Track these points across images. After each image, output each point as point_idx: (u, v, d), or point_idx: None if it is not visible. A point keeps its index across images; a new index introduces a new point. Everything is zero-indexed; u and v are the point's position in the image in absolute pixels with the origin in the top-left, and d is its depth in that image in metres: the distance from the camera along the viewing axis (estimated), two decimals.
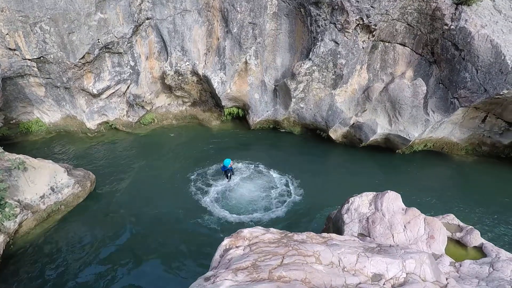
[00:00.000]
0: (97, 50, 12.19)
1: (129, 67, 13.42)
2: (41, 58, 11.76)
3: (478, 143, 12.49)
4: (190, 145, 13.27)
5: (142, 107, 14.38)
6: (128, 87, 13.86)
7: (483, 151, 12.51)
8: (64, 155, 12.26)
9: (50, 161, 9.58)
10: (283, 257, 3.66)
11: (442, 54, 11.03)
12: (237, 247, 3.98)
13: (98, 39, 12.04)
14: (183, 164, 11.81)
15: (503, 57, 9.77)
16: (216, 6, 12.56)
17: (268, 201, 9.96)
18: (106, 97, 13.64)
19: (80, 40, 11.73)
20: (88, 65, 12.45)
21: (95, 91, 13.00)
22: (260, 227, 4.74)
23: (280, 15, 12.44)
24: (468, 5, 10.35)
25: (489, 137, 12.17)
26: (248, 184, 10.70)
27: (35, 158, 9.30)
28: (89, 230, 8.67)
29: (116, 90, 13.67)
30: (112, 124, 14.11)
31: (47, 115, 13.46)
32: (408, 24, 11.18)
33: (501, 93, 9.93)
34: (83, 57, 12.04)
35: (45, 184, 8.95)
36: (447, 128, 12.23)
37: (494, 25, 10.33)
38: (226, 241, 4.20)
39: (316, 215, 9.38)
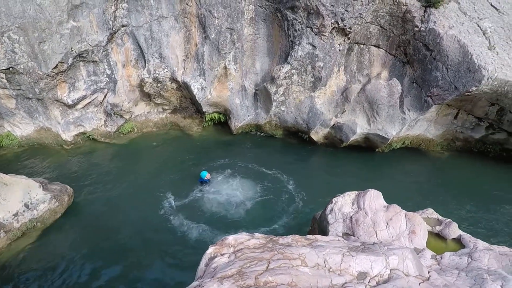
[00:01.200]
0: (70, 59, 11.83)
1: (105, 75, 13.10)
2: (10, 69, 11.27)
3: (452, 138, 13.01)
4: (171, 153, 13.05)
5: (121, 116, 14.04)
6: (105, 96, 13.51)
7: (457, 146, 13.05)
8: (39, 170, 11.75)
9: (23, 176, 9.17)
10: (269, 262, 3.65)
11: (414, 55, 11.44)
12: (222, 254, 3.93)
13: (72, 48, 11.69)
14: (164, 173, 11.57)
15: (470, 56, 10.26)
16: (193, 12, 12.51)
17: (252, 205, 9.93)
18: (82, 107, 13.23)
19: (52, 49, 11.35)
20: (62, 74, 12.05)
21: (70, 102, 12.58)
22: (244, 232, 4.71)
23: (257, 20, 12.54)
24: (436, 8, 10.83)
25: (461, 132, 12.70)
26: (230, 190, 10.62)
27: (6, 174, 8.88)
28: (67, 247, 8.33)
29: (93, 100, 13.29)
30: (89, 135, 13.67)
31: (19, 128, 12.88)
32: (381, 27, 11.55)
33: (470, 90, 10.40)
34: (56, 67, 11.64)
35: (19, 201, 8.54)
36: (422, 126, 12.66)
37: (460, 26, 10.85)
38: (210, 249, 4.14)
39: (301, 217, 9.44)
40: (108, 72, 13.05)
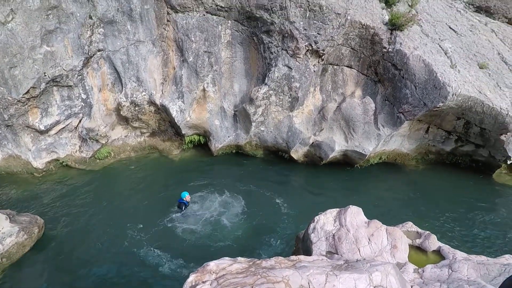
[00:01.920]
0: (43, 84, 11.52)
1: (80, 100, 12.81)
2: None
3: (425, 152, 13.57)
4: (150, 178, 12.71)
5: (97, 141, 13.64)
6: (80, 121, 13.14)
7: (430, 159, 13.60)
8: (6, 200, 11.06)
9: None
10: (252, 287, 3.55)
11: (385, 74, 12.05)
12: (203, 282, 3.79)
13: (45, 73, 11.42)
14: (143, 200, 11.18)
15: (435, 75, 10.93)
16: (171, 37, 12.66)
17: (234, 228, 9.74)
18: (55, 133, 12.77)
19: (24, 74, 11.04)
20: (34, 100, 11.68)
21: (42, 127, 12.13)
22: (227, 257, 4.59)
23: (234, 44, 12.85)
24: (401, 30, 11.57)
25: (433, 146, 13.29)
26: (211, 213, 10.40)
27: None
28: (35, 285, 7.72)
29: (67, 125, 12.88)
30: (63, 161, 13.13)
31: None
32: (352, 48, 12.14)
33: (438, 106, 11.00)
34: (27, 92, 11.28)
35: None
36: (397, 141, 13.15)
37: (424, 47, 11.60)
38: (191, 277, 3.99)
39: (285, 237, 9.34)
40: (83, 96, 12.78)
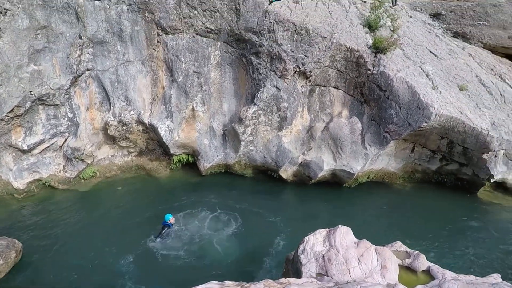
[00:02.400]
0: (29, 102, 11.34)
1: (66, 119, 12.61)
2: None
3: (411, 171, 13.79)
4: (136, 199, 12.39)
5: (82, 160, 13.34)
6: (65, 140, 12.88)
7: (417, 177, 13.81)
8: None
9: None
10: None
11: (370, 95, 12.40)
12: None
13: (31, 92, 11.27)
14: (128, 222, 10.82)
15: (418, 96, 11.32)
16: (160, 57, 12.80)
17: (222, 249, 9.51)
18: (39, 152, 12.45)
19: (9, 92, 10.86)
20: (18, 118, 11.43)
21: (25, 147, 11.81)
22: (214, 281, 4.45)
23: (223, 65, 13.07)
24: (384, 54, 12.05)
25: (419, 164, 13.54)
26: (199, 234, 10.17)
27: None
28: None
29: (51, 144, 12.59)
30: (45, 182, 12.71)
31: None
32: (338, 70, 12.51)
33: (422, 126, 11.32)
34: (11, 111, 11.05)
35: None
36: (384, 160, 13.35)
37: (406, 69, 12.07)
38: None
39: (274, 258, 9.15)
40: (70, 115, 12.60)
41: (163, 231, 9.96)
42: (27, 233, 10.07)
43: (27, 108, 11.34)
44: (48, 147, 12.51)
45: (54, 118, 12.32)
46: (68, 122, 12.65)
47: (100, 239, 9.92)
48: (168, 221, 10.06)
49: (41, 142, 12.19)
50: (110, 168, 14.14)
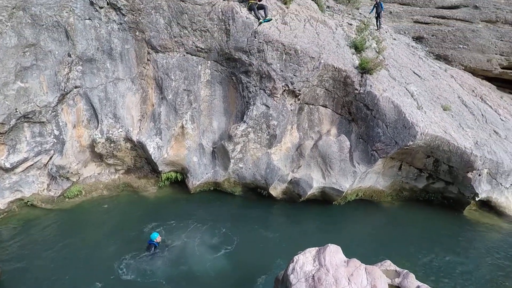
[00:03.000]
0: (13, 120, 11.12)
1: (52, 136, 12.38)
2: None
3: (399, 189, 13.93)
4: (122, 218, 12.05)
5: (67, 178, 13.00)
6: (50, 158, 12.58)
7: (405, 196, 13.94)
8: None
9: None
10: None
11: (358, 113, 12.66)
12: None
13: (16, 109, 11.08)
14: (113, 243, 10.47)
15: (404, 115, 11.62)
16: (150, 75, 12.86)
17: (210, 270, 9.26)
18: (22, 171, 12.09)
19: None
20: (1, 136, 11.16)
21: (8, 165, 11.47)
22: None
23: (213, 83, 13.21)
24: (370, 74, 12.42)
25: (407, 183, 13.71)
26: (186, 254, 9.91)
27: None
28: None
29: (35, 162, 12.27)
30: (28, 201, 12.28)
31: None
32: (326, 89, 12.79)
33: (408, 145, 11.56)
34: None
35: None
36: (372, 178, 13.48)
37: (392, 90, 12.44)
38: None
39: (264, 278, 8.96)
40: (56, 133, 12.38)
41: (150, 251, 9.67)
42: (6, 255, 9.61)
43: (11, 125, 11.11)
44: (32, 165, 12.18)
45: (40, 136, 12.08)
46: (54, 139, 12.40)
47: (83, 261, 9.54)
48: (155, 240, 9.80)
49: (25, 160, 11.87)
50: (96, 186, 13.81)
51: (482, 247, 11.00)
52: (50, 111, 11.86)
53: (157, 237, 9.85)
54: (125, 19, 12.08)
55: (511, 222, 12.56)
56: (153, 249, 9.72)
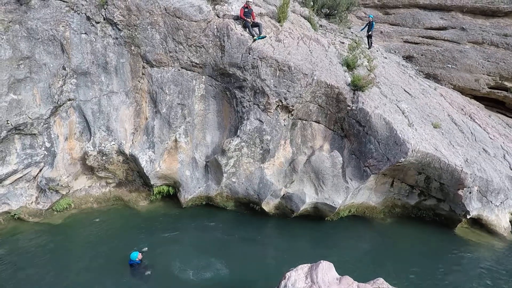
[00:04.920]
0: (4, 132, 11.01)
1: (43, 148, 12.25)
2: None
3: (391, 205, 13.96)
4: (111, 233, 11.80)
5: (57, 191, 12.79)
6: (40, 170, 12.40)
7: (397, 212, 13.96)
8: None
9: None
10: None
11: (350, 130, 12.81)
12: None
13: (7, 121, 10.99)
14: (101, 259, 10.21)
15: (395, 132, 11.79)
16: (145, 89, 12.94)
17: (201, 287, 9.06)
18: (11, 183, 11.88)
19: None
20: None
21: None
22: None
23: (207, 97, 13.32)
24: (362, 91, 12.66)
25: (399, 199, 13.76)
26: (175, 272, 9.69)
27: None
28: None
29: (25, 175, 12.08)
30: (15, 214, 12.01)
31: None
32: (319, 105, 12.97)
33: (400, 161, 11.67)
34: None
35: None
36: (365, 194, 13.51)
37: (384, 107, 12.66)
38: None
39: None
40: (48, 145, 12.26)
41: (134, 270, 9.44)
42: None
43: (1, 137, 10.99)
44: (21, 177, 11.98)
45: (30, 148, 11.94)
46: (45, 151, 12.27)
47: (69, 279, 9.27)
48: (136, 259, 9.54)
49: (14, 172, 11.68)
50: (86, 200, 13.58)
51: (474, 266, 10.97)
52: (42, 123, 11.78)
53: (138, 256, 9.58)
54: (121, 34, 12.24)
55: (502, 240, 12.60)
56: (136, 267, 9.49)
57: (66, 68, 11.84)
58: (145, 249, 10.19)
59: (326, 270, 6.78)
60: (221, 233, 12.05)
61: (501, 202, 13.16)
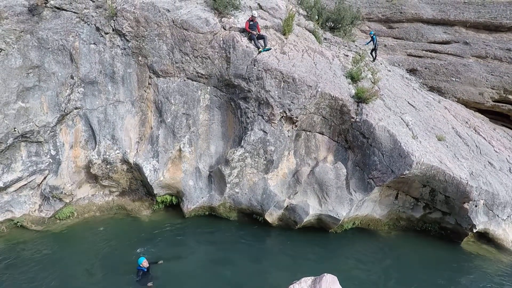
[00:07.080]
0: (11, 139, 11.14)
1: (49, 156, 12.35)
2: None
3: (396, 218, 13.79)
4: (113, 242, 11.73)
5: (60, 199, 12.81)
6: (44, 178, 12.46)
7: (402, 225, 13.78)
8: None
9: None
10: None
11: (354, 141, 12.80)
12: None
13: (15, 128, 11.13)
14: (102, 268, 10.16)
15: (399, 144, 11.76)
16: (150, 99, 13.08)
17: None
18: (15, 190, 11.93)
19: None
20: None
21: (0, 184, 11.32)
22: None
23: (212, 107, 13.43)
24: (366, 103, 12.70)
25: (404, 212, 13.60)
26: (177, 282, 9.58)
27: None
28: None
29: (29, 182, 12.14)
30: (18, 222, 12.01)
31: None
32: (323, 117, 13.02)
33: (404, 174, 11.60)
34: None
35: None
36: (369, 206, 13.38)
37: (387, 119, 12.67)
38: None
39: None
40: (53, 152, 12.36)
41: (138, 277, 9.37)
42: None
43: (8, 144, 11.10)
44: (25, 185, 12.04)
45: (36, 155, 12.04)
46: (50, 159, 12.35)
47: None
48: (141, 265, 9.49)
49: (19, 179, 11.74)
50: (89, 208, 13.57)
51: (481, 281, 10.73)
52: (48, 131, 11.91)
53: (143, 262, 9.54)
54: (129, 45, 12.48)
55: (510, 255, 12.35)
56: (140, 274, 9.41)
57: (74, 77, 12.05)
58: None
59: (330, 283, 6.66)
60: (223, 244, 11.94)
61: (508, 216, 12.97)
